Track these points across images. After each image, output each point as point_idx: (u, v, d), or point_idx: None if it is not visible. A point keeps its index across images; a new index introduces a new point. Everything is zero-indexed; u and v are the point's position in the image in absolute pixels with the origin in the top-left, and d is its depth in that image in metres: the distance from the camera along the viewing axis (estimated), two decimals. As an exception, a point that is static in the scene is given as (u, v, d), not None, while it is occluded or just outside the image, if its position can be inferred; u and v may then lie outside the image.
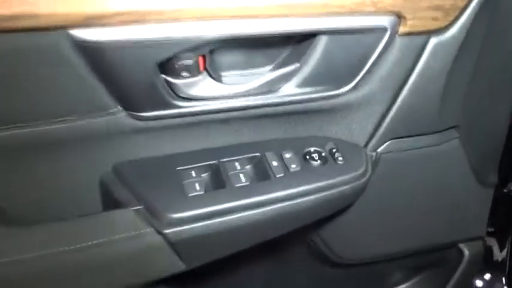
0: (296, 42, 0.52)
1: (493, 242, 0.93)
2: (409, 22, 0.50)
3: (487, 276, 0.92)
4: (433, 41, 0.53)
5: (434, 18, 0.51)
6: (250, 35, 0.46)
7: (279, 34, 0.47)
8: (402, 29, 0.51)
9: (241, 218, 0.50)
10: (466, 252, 0.82)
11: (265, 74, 0.52)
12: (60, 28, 0.39)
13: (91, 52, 0.41)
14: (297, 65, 0.51)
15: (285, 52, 0.53)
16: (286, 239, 0.57)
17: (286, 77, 0.52)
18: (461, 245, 0.82)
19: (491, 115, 0.69)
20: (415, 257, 0.81)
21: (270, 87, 0.52)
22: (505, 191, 0.91)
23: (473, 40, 0.56)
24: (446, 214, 0.74)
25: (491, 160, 0.75)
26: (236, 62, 0.52)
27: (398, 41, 0.52)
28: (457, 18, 0.52)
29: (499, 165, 0.77)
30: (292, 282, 0.83)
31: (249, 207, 0.50)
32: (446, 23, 0.52)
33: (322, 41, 0.49)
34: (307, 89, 0.53)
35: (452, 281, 0.84)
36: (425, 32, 0.52)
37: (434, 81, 0.57)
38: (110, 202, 0.52)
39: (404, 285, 0.90)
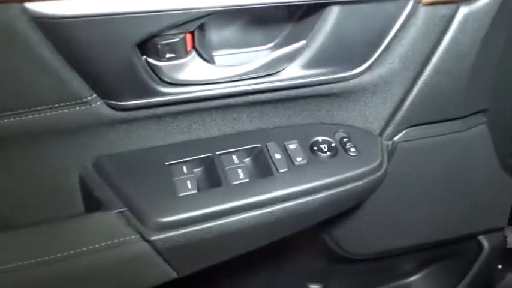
0: (302, 15, 0.49)
1: (507, 231, 0.90)
2: (435, -11, 0.47)
3: (500, 266, 0.91)
4: (463, 11, 0.50)
5: None
6: (248, 7, 0.42)
7: (281, 4, 0.44)
8: None
9: (240, 221, 0.47)
10: (486, 244, 0.81)
11: (265, 53, 0.49)
12: (12, 1, 0.35)
13: (53, 30, 0.38)
14: (303, 42, 0.48)
15: (289, 27, 0.50)
16: (290, 236, 0.54)
17: (290, 57, 0.49)
18: (481, 237, 0.81)
19: None
20: (429, 250, 0.80)
21: (271, 69, 0.49)
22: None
23: (507, 9, 0.52)
24: (467, 205, 0.73)
25: None
26: (231, 40, 0.49)
27: (422, 11, 0.48)
28: None
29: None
30: (295, 278, 0.82)
31: (248, 208, 0.47)
32: None
33: (333, 13, 0.46)
34: (315, 71, 0.50)
35: (470, 275, 0.84)
36: (454, 1, 0.49)
37: (462, 59, 0.54)
38: (91, 201, 0.49)
39: (415, 277, 0.90)
